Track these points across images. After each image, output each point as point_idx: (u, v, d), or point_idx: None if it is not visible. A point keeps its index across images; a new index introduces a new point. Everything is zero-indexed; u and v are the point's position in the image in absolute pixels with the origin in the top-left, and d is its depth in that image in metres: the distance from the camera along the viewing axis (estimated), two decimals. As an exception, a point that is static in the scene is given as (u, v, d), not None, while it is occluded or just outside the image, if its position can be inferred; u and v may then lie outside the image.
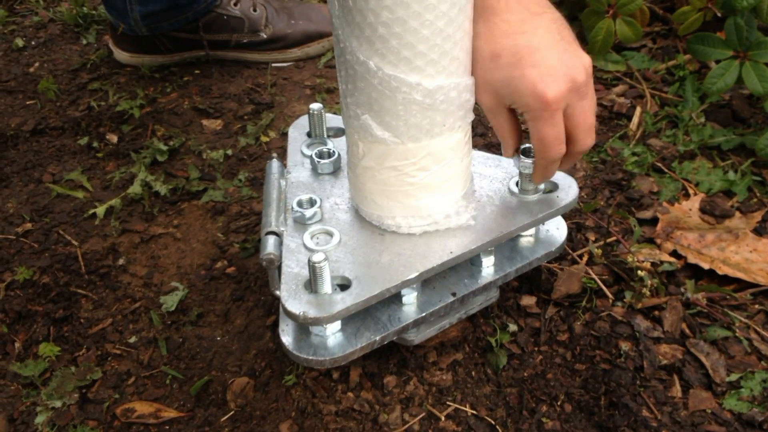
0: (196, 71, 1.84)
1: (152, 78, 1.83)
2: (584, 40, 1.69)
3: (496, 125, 0.97)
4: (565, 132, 0.92)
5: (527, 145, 1.00)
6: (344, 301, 0.91)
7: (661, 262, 1.22)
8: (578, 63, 0.88)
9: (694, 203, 1.33)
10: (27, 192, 1.49)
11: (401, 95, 0.88)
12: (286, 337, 0.98)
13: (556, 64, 0.87)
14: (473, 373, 1.09)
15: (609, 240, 1.27)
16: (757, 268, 1.20)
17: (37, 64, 1.93)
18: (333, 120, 1.23)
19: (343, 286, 0.94)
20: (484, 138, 1.53)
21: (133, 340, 1.18)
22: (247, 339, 1.16)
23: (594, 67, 1.69)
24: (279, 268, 0.98)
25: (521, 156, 1.00)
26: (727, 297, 1.16)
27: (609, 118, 1.57)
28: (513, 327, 1.14)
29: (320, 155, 1.14)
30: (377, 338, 0.97)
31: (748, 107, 1.53)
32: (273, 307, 1.20)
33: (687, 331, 1.13)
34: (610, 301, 1.17)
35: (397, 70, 0.87)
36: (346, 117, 0.97)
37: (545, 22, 0.90)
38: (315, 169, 1.14)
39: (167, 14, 1.75)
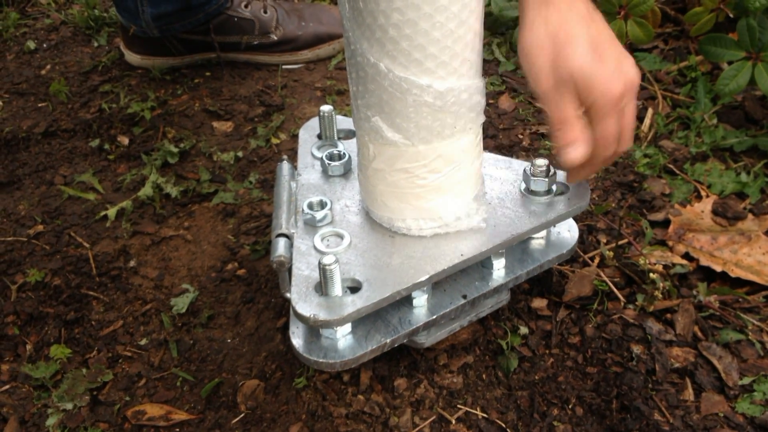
0: (207, 73, 1.85)
1: (163, 80, 1.83)
2: (595, 41, 1.68)
3: (565, 113, 0.92)
4: None
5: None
6: (354, 303, 0.91)
7: (673, 265, 1.21)
8: (632, 62, 0.90)
9: (706, 205, 1.32)
10: (39, 194, 1.50)
11: (412, 97, 0.88)
12: (297, 340, 0.98)
13: (619, 61, 0.89)
14: (484, 375, 1.09)
15: (621, 242, 1.26)
16: (770, 270, 1.19)
17: (48, 67, 1.94)
18: (343, 122, 1.22)
19: (354, 288, 0.94)
20: (494, 140, 1.53)
21: (143, 342, 1.18)
22: (257, 341, 1.16)
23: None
24: (289, 270, 0.98)
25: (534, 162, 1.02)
26: (740, 300, 1.16)
27: (620, 120, 1.56)
28: (524, 329, 1.13)
29: (331, 157, 1.14)
30: (388, 341, 0.97)
31: (761, 108, 1.52)
32: (283, 309, 1.20)
33: (699, 334, 1.12)
34: (622, 303, 1.17)
35: (408, 72, 0.87)
36: (356, 119, 0.97)
37: (600, 16, 0.91)
38: (325, 171, 1.14)
39: (179, 16, 1.75)
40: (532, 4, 0.91)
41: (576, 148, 0.92)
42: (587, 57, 0.88)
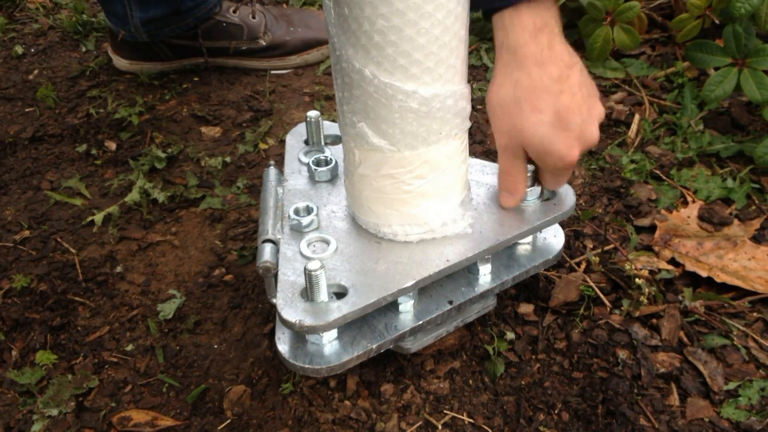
0: (195, 78, 1.84)
1: (151, 85, 1.83)
2: (582, 47, 1.69)
3: (511, 170, 1.00)
4: None
5: None
6: (340, 309, 0.91)
7: (659, 270, 1.21)
8: (596, 125, 0.95)
9: (692, 211, 1.32)
10: (25, 199, 1.49)
11: (397, 103, 0.88)
12: (283, 345, 0.98)
13: (582, 127, 0.92)
14: (470, 381, 1.09)
15: (607, 248, 1.26)
16: (756, 275, 1.20)
17: (36, 72, 1.93)
18: (330, 128, 1.23)
19: (340, 294, 0.94)
20: (482, 145, 1.53)
21: (130, 348, 1.18)
22: (244, 347, 1.16)
23: (592, 73, 1.69)
24: (276, 276, 0.98)
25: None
26: (725, 305, 1.16)
27: (607, 126, 1.57)
28: (510, 335, 1.13)
29: (317, 163, 1.14)
30: (374, 346, 0.97)
31: (747, 114, 1.53)
32: (270, 315, 1.20)
33: (685, 339, 1.12)
34: (608, 309, 1.17)
35: (393, 78, 0.87)
36: (342, 125, 0.97)
37: (577, 75, 0.93)
38: (312, 177, 1.14)
39: (167, 20, 1.75)
40: (504, 62, 0.93)
41: (510, 197, 1.03)
42: (547, 129, 0.92)
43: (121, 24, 1.77)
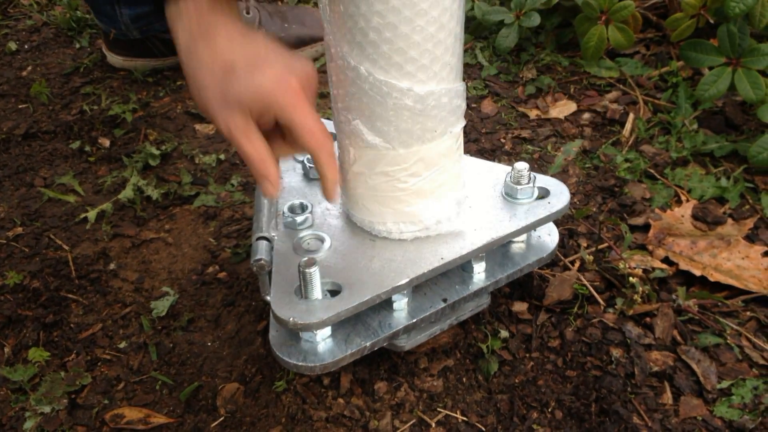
0: (190, 75, 1.84)
1: (145, 82, 1.83)
2: (577, 45, 1.69)
3: (251, 149, 0.88)
4: None
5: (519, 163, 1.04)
6: (334, 306, 0.90)
7: (653, 269, 1.21)
8: (304, 61, 0.89)
9: (686, 210, 1.33)
10: (18, 196, 1.49)
11: (392, 101, 0.88)
12: (276, 343, 0.97)
13: (290, 61, 0.88)
14: (464, 379, 1.09)
15: (601, 246, 1.27)
16: (749, 275, 1.20)
17: (30, 68, 1.92)
18: (325, 125, 1.22)
19: (334, 291, 0.94)
20: (477, 144, 1.53)
21: (123, 345, 1.17)
22: (237, 344, 1.16)
23: (587, 72, 1.70)
24: (270, 273, 0.98)
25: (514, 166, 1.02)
26: (719, 304, 1.16)
27: (602, 125, 1.57)
28: (504, 333, 1.13)
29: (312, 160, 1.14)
30: (367, 344, 0.97)
31: (741, 114, 1.53)
32: (264, 312, 1.20)
33: (678, 337, 1.12)
34: (602, 307, 1.17)
35: (389, 76, 0.87)
36: (337, 122, 0.97)
37: (261, 37, 0.90)
38: (306, 174, 1.14)
39: (157, 15, 1.74)
40: (197, 45, 0.92)
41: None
42: (245, 76, 0.85)
43: (111, 23, 1.76)
